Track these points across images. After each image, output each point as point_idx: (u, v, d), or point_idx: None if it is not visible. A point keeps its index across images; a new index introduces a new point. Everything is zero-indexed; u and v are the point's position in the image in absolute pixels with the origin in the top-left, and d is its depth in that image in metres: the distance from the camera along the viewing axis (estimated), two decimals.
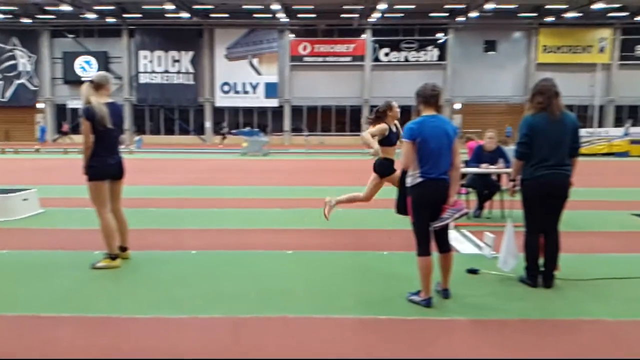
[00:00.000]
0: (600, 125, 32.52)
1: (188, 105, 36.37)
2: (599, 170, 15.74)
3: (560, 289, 4.47)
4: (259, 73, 35.61)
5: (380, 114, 5.60)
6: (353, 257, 5.50)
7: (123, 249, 5.26)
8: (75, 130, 32.25)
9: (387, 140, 5.54)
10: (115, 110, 5.04)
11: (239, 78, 35.64)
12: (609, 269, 5.01)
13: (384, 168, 5.65)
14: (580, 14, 31.21)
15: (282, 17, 32.51)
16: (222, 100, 36.00)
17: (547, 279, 4.51)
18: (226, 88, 35.85)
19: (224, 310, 3.94)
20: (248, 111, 36.27)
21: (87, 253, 5.42)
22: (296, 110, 36.31)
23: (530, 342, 3.47)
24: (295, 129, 35.43)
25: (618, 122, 33.80)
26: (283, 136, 35.16)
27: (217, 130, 34.79)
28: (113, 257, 5.05)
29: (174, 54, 35.71)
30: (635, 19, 32.86)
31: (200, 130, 36.79)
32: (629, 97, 34.64)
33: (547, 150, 4.35)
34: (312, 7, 32.52)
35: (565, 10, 30.58)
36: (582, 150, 20.57)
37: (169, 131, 37.05)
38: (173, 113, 37.12)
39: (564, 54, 34.53)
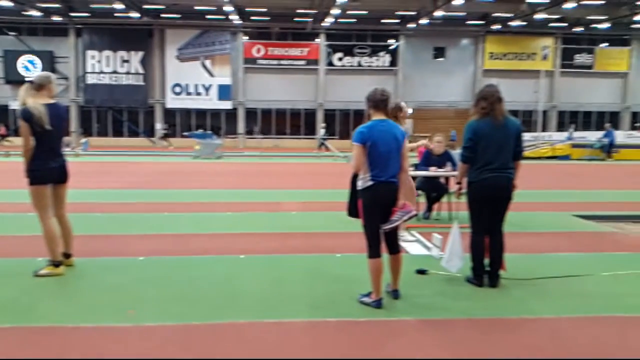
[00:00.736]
0: (544, 129, 33.97)
1: (137, 106, 35.45)
2: (543, 172, 16.42)
3: (506, 288, 4.64)
4: (211, 75, 35.15)
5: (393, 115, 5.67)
6: (306, 260, 5.52)
7: (67, 255, 5.07)
8: (17, 132, 30.80)
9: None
10: (56, 111, 4.85)
11: (191, 79, 35.06)
12: (551, 268, 5.22)
13: None
14: (525, 23, 32.55)
15: (235, 19, 32.23)
16: (173, 102, 35.30)
17: (493, 279, 4.67)
18: (177, 89, 35.17)
19: (172, 318, 3.86)
20: (201, 113, 35.71)
21: (29, 260, 5.18)
22: (250, 113, 36.05)
23: (476, 340, 3.59)
24: (249, 132, 35.19)
25: (560, 127, 35.47)
26: (237, 139, 34.84)
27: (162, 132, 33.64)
28: (56, 264, 4.86)
29: (123, 54, 34.73)
30: (574, 29, 34.61)
31: (150, 132, 35.93)
32: (570, 103, 36.39)
33: (491, 154, 4.52)
34: (266, 9, 32.42)
35: (511, 19, 31.81)
36: (527, 153, 21.58)
37: (118, 133, 35.97)
38: (122, 114, 36.08)
39: (510, 61, 35.91)
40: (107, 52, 34.58)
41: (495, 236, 4.66)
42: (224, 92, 35.11)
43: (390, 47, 35.77)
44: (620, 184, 13.87)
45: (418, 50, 35.83)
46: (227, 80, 35.11)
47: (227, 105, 35.36)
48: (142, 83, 34.94)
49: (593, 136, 25.35)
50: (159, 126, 35.29)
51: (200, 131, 28.43)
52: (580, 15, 31.42)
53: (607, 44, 36.49)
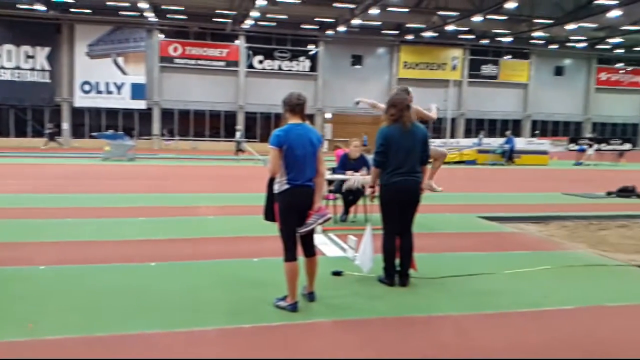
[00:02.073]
0: (452, 136, 35.89)
1: (43, 105, 33.19)
2: (451, 176, 17.28)
3: (415, 287, 4.83)
4: (124, 73, 33.69)
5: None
6: (222, 266, 5.41)
7: None
8: None
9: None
10: None
11: (102, 77, 33.39)
12: (457, 267, 5.49)
13: None
14: (436, 34, 34.28)
15: (150, 16, 31.12)
16: (82, 101, 33.43)
17: (403, 278, 4.85)
18: (87, 87, 33.33)
19: (75, 330, 3.63)
20: (112, 113, 34.08)
21: None
22: (167, 114, 34.93)
23: (388, 339, 3.69)
24: (162, 134, 33.99)
25: (468, 134, 37.67)
26: (152, 140, 33.59)
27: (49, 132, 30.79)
28: None
29: (27, 49, 32.41)
30: (481, 42, 36.94)
31: (56, 132, 33.73)
32: (476, 111, 38.75)
33: (400, 158, 4.70)
34: (183, 8, 31.62)
35: (423, 30, 33.35)
36: None
37: (21, 133, 33.44)
38: (25, 113, 33.59)
39: (422, 70, 37.65)
40: (8, 46, 32.19)
41: (406, 237, 4.85)
42: (138, 91, 33.80)
43: (310, 53, 36.20)
44: (521, 187, 14.93)
45: (337, 57, 36.56)
46: (141, 79, 33.82)
47: (141, 105, 34.04)
48: (48, 80, 32.84)
49: (497, 142, 27.11)
50: (65, 126, 33.25)
51: (110, 132, 27.05)
52: (486, 28, 33.61)
53: (510, 57, 39.33)
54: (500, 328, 3.97)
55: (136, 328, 3.70)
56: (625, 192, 12.24)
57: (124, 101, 33.87)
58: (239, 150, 24.65)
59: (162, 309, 4.13)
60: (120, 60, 33.59)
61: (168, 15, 32.81)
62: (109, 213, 8.54)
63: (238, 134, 26.60)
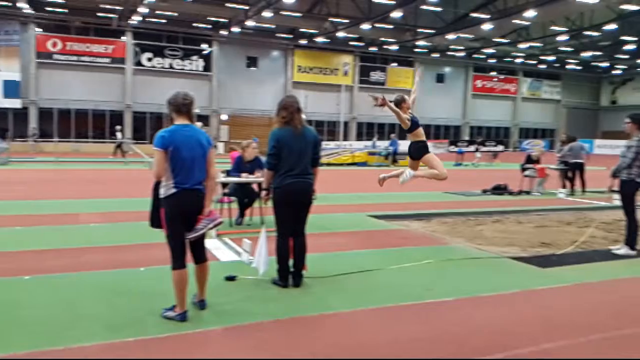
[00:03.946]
0: (345, 138, 36.99)
1: None
2: (343, 177, 17.79)
3: (308, 287, 4.90)
4: None
5: (397, 104, 6.32)
6: (106, 277, 5.08)
7: None
8: None
9: (414, 125, 6.24)
10: None
11: None
12: (348, 265, 5.66)
13: (420, 150, 6.27)
14: (329, 40, 35.12)
15: (25, 8, 28.47)
16: None
17: (296, 279, 4.91)
18: None
19: None
20: None
21: None
22: (45, 113, 32.14)
23: (280, 341, 3.70)
24: (33, 135, 31.08)
25: (359, 137, 39.08)
26: (28, 142, 30.70)
27: None
28: None
29: None
30: (370, 49, 38.52)
31: None
32: (367, 115, 40.24)
33: (292, 160, 4.75)
34: (64, 1, 29.34)
35: (316, 35, 34.02)
36: (331, 160, 23.14)
37: None
38: None
39: (316, 75, 38.40)
40: None
41: (299, 238, 4.91)
42: (12, 88, 30.74)
43: (204, 52, 35.34)
44: (405, 187, 15.67)
45: (232, 58, 36.07)
46: (15, 76, 30.83)
47: (15, 103, 31.01)
48: None
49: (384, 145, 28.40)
50: None
51: None
52: (374, 36, 35.09)
53: (396, 64, 41.43)
54: (387, 322, 4.14)
55: (2, 349, 3.35)
56: (499, 189, 13.43)
57: None
58: (124, 152, 23.54)
59: (34, 326, 3.78)
60: None
61: (47, 8, 30.25)
62: None
63: (119, 135, 25.30)
